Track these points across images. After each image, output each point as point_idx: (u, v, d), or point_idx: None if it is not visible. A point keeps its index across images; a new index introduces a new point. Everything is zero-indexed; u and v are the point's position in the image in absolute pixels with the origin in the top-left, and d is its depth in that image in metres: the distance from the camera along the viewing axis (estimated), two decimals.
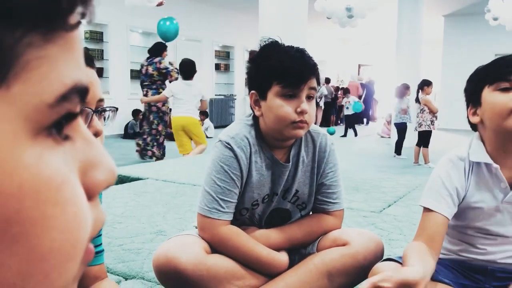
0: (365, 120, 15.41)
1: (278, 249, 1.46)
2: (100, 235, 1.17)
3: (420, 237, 1.26)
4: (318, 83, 1.42)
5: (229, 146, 1.40)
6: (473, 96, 1.29)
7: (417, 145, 6.63)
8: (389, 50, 14.97)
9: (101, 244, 1.17)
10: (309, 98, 1.38)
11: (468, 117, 1.32)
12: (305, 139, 1.51)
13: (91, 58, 0.99)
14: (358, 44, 18.72)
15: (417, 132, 6.52)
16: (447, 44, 13.44)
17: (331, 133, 9.58)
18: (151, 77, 6.04)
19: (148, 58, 6.17)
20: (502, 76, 1.21)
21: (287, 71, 1.34)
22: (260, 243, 1.44)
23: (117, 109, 1.04)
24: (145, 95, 6.17)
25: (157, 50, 6.13)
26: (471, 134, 1.35)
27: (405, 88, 7.15)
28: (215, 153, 1.42)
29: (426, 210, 1.29)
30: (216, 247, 1.41)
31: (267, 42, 1.44)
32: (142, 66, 6.17)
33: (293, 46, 1.42)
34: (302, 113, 1.35)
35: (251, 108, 1.46)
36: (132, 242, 2.21)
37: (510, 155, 1.27)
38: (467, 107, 1.32)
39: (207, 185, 1.41)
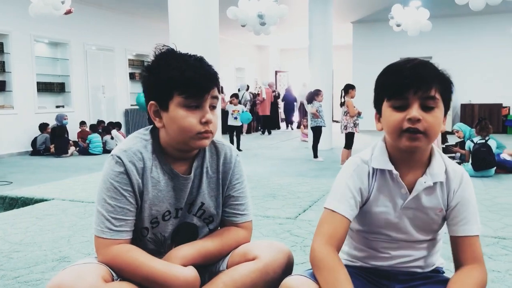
0: (286, 125, 15.72)
1: (191, 265, 1.39)
2: None
3: (321, 235, 1.24)
4: (219, 91, 1.39)
5: (119, 160, 1.33)
6: (376, 103, 1.29)
7: (344, 147, 6.73)
8: (304, 56, 15.43)
9: None
10: (212, 107, 1.35)
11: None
12: (210, 150, 1.47)
13: None
14: (275, 50, 19.11)
15: (344, 134, 6.63)
16: (356, 49, 14.09)
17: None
18: None
19: None
20: (397, 93, 1.19)
21: (189, 82, 1.29)
22: (171, 259, 1.35)
23: None
24: None
25: None
26: (378, 135, 1.35)
27: (315, 94, 7.34)
28: (105, 169, 1.34)
29: (329, 210, 1.28)
30: (113, 269, 1.32)
31: (162, 50, 1.37)
32: None
33: (191, 54, 1.36)
34: (207, 123, 1.32)
35: (151, 120, 1.38)
36: (31, 273, 2.02)
37: (410, 164, 1.29)
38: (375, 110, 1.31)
39: (99, 204, 1.33)
